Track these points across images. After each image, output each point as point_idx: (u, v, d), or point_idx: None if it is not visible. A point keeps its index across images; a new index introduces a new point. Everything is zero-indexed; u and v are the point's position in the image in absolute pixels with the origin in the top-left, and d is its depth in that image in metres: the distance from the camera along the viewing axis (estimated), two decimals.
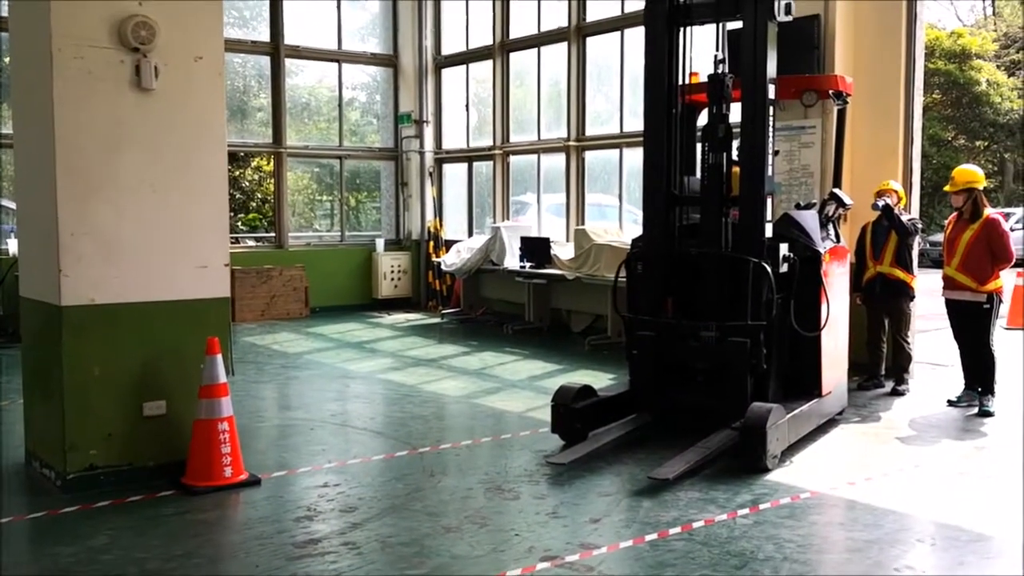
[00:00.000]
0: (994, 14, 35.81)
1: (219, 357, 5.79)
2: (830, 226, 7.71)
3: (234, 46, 14.22)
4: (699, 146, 7.31)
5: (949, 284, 8.09)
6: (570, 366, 10.16)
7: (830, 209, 7.70)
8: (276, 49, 14.61)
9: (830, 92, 8.08)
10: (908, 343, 8.82)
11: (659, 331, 7.02)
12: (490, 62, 14.42)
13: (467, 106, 15.15)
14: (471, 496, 5.67)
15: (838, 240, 7.75)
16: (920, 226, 8.72)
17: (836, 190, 7.93)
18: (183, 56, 5.88)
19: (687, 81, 7.31)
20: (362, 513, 5.35)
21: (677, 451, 6.26)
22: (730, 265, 6.82)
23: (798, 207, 7.54)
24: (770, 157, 6.84)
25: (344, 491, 5.76)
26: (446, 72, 15.55)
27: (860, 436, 7.25)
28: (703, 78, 7.18)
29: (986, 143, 29.44)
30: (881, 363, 8.95)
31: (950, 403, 8.18)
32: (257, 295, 13.92)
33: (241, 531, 5.19)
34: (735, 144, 7.00)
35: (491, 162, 14.55)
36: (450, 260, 13.78)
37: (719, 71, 6.96)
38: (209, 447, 5.73)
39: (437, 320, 14.05)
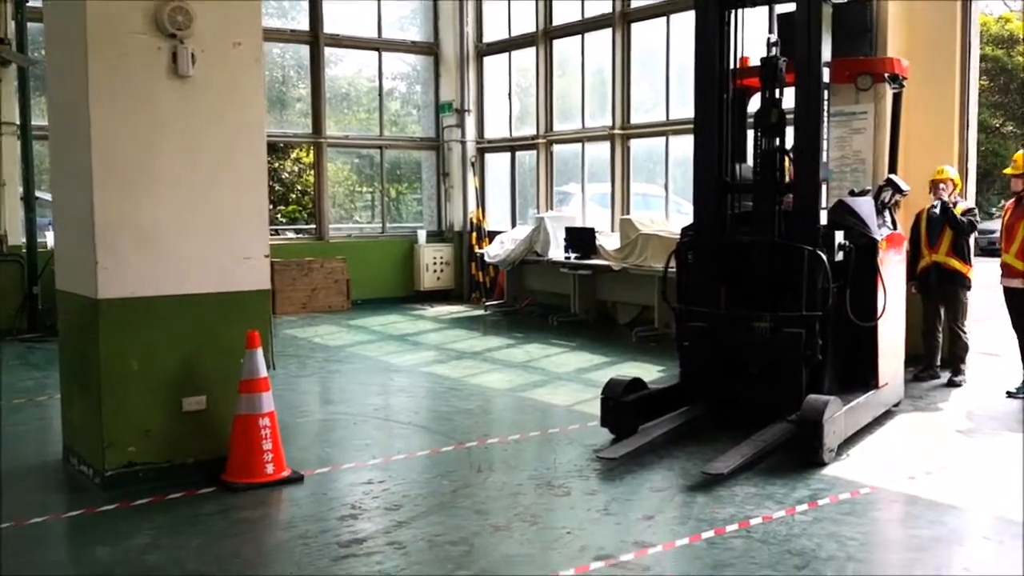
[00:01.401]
0: None
1: (259, 351, 5.70)
2: (886, 213, 7.47)
3: (273, 35, 14.23)
4: (751, 132, 7.10)
5: (1008, 272, 7.81)
6: (617, 358, 9.99)
7: (886, 195, 7.46)
8: (316, 38, 14.55)
9: (885, 75, 7.80)
10: (965, 333, 8.54)
11: (711, 322, 6.85)
12: (533, 50, 14.24)
13: (510, 95, 14.98)
14: (520, 492, 5.53)
15: (894, 227, 7.52)
16: (977, 222, 8.41)
17: (892, 176, 7.68)
18: (221, 42, 5.78)
19: (738, 66, 7.11)
20: (408, 511, 5.24)
21: (731, 445, 6.10)
22: (784, 254, 6.62)
23: (852, 194, 7.29)
24: (824, 143, 6.61)
25: (389, 488, 5.65)
26: (488, 60, 15.38)
27: (918, 428, 7.01)
28: (753, 63, 6.97)
29: None
30: (937, 353, 8.69)
31: (1009, 394, 7.90)
32: (298, 287, 13.89)
33: (284, 530, 5.10)
34: (788, 130, 6.79)
35: (534, 151, 14.38)
36: (493, 251, 13.64)
37: (772, 54, 6.75)
38: (250, 443, 5.64)
39: (481, 312, 13.95)
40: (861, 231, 6.86)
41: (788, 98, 6.80)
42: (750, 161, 7.04)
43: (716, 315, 6.87)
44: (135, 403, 5.62)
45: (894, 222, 7.58)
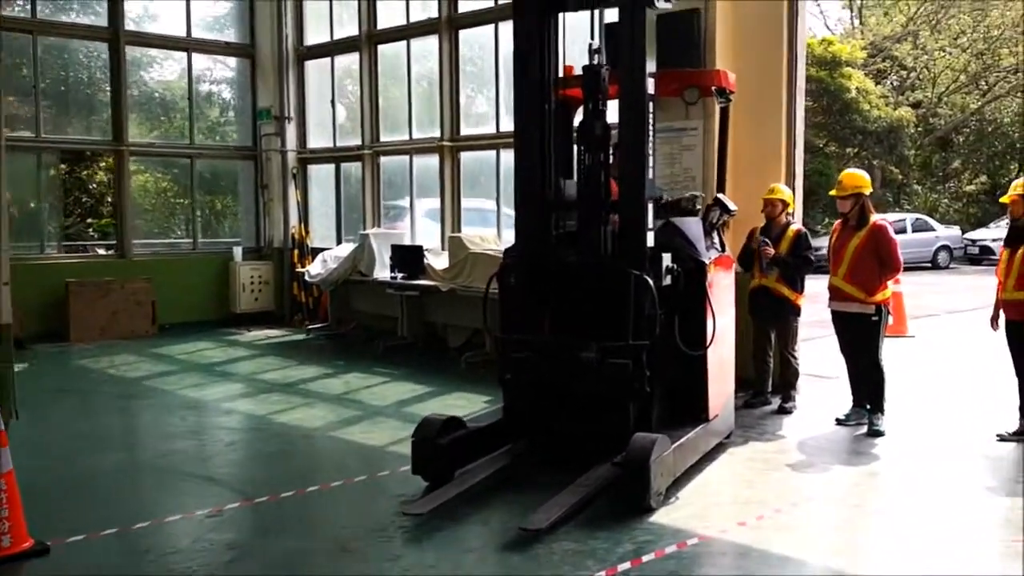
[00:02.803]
0: (861, 23, 36.70)
1: None
2: (714, 234, 7.13)
3: (67, 31, 12.97)
4: (576, 147, 6.59)
5: (836, 295, 7.60)
6: (444, 388, 9.32)
7: (714, 216, 7.12)
8: (115, 35, 13.25)
9: (713, 88, 7.46)
10: (796, 358, 8.34)
11: (535, 351, 6.28)
12: (357, 55, 13.43)
13: (333, 102, 14.08)
14: (308, 560, 4.78)
15: (723, 249, 7.18)
16: (813, 257, 8.20)
17: (720, 195, 7.34)
18: None
19: (562, 75, 6.61)
20: None
21: (553, 490, 5.52)
22: (611, 277, 6.13)
23: (674, 207, 6.87)
24: (650, 158, 6.16)
25: (153, 559, 4.78)
26: (310, 64, 14.41)
27: (749, 463, 6.64)
28: (580, 72, 6.47)
29: (856, 150, 29.93)
30: (768, 379, 8.45)
31: (839, 422, 7.70)
32: (95, 311, 12.55)
33: None
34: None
35: (360, 163, 13.55)
36: (315, 270, 12.72)
37: (595, 62, 6.26)
38: None
39: (302, 336, 12.98)
40: (689, 253, 6.46)
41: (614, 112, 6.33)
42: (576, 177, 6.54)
43: (539, 344, 6.31)
44: None
45: (722, 243, 7.24)
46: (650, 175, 6.17)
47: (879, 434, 7.29)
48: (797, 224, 8.33)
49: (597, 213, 6.27)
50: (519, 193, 6.57)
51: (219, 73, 15.07)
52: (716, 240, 7.12)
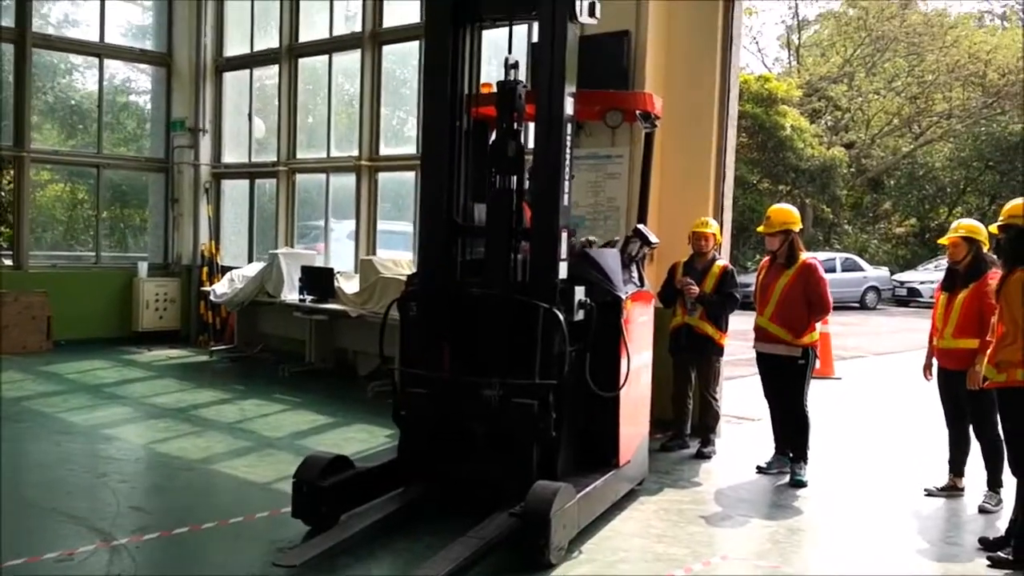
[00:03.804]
0: (798, 63, 37.17)
1: None
2: (633, 267, 6.73)
3: None
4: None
5: (761, 336, 7.22)
6: (347, 418, 8.76)
7: (633, 248, 6.72)
8: (22, 37, 12.49)
9: (637, 112, 7.07)
10: (716, 400, 7.96)
11: (433, 387, 5.77)
12: (276, 67, 12.85)
13: (250, 115, 13.42)
14: None
15: (642, 283, 6.77)
16: (739, 295, 7.83)
17: (640, 226, 6.94)
18: None
19: (476, 91, 6.15)
20: None
21: (447, 538, 5.02)
22: (518, 310, 5.65)
23: (588, 244, 6.45)
24: (567, 183, 5.72)
25: None
26: (228, 76, 13.76)
27: (662, 514, 6.18)
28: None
29: (788, 187, 30.04)
30: (687, 420, 8.05)
31: (759, 470, 7.31)
32: None
33: None
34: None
35: (275, 180, 12.92)
36: (220, 289, 12.02)
37: (511, 78, 5.82)
38: None
39: (205, 358, 12.27)
40: (605, 287, 6.03)
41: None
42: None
43: (438, 379, 5.81)
44: None
45: (641, 278, 6.83)
46: (565, 201, 5.73)
47: (802, 484, 6.91)
48: (723, 260, 7.97)
49: (506, 240, 5.80)
50: (423, 216, 6.08)
51: (140, 83, 14.37)
52: (635, 273, 6.72)
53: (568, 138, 5.68)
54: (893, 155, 34.23)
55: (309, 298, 10.99)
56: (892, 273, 28.28)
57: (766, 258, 7.46)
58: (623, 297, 6.06)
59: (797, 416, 7.10)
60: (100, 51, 13.33)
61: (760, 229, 7.27)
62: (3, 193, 18.00)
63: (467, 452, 5.79)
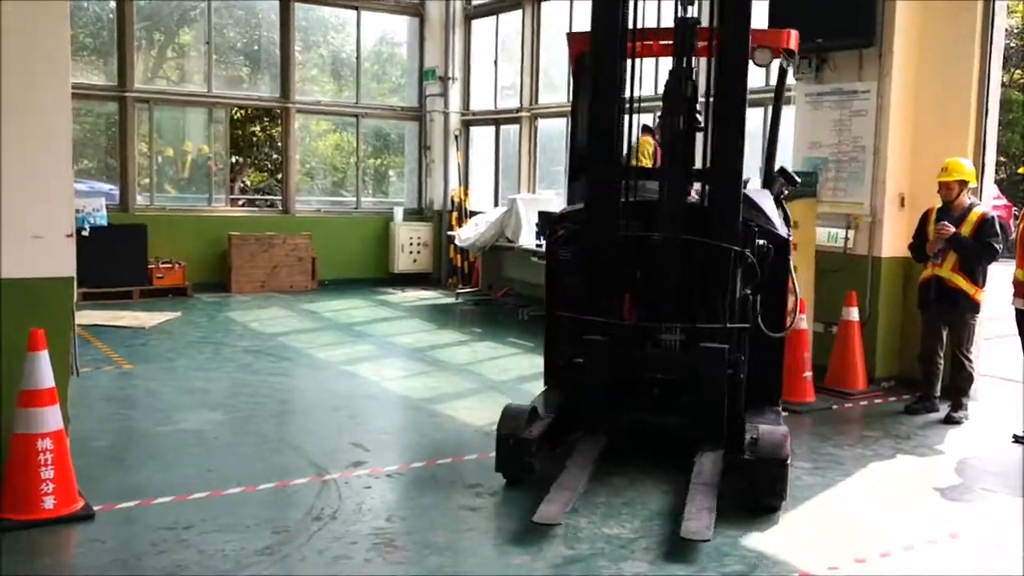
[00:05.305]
0: None
1: (44, 354, 4.59)
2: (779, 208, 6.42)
3: None
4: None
5: (1021, 291, 6.41)
6: None
7: (779, 188, 6.48)
8: None
9: (781, 50, 6.39)
10: (970, 361, 7.14)
11: (612, 334, 5.64)
12: (519, 12, 12.87)
13: (495, 62, 13.60)
14: (348, 556, 4.34)
15: (788, 224, 6.43)
16: (999, 246, 6.96)
17: (785, 166, 6.67)
18: None
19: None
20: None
21: (651, 487, 5.18)
22: (700, 254, 5.53)
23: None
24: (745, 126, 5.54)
25: (187, 538, 4.48)
26: (476, 24, 14.00)
27: (889, 482, 5.68)
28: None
29: None
30: (936, 382, 7.31)
31: (1016, 439, 6.53)
32: (257, 264, 12.79)
33: None
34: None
35: (517, 126, 13.04)
36: (465, 234, 12.38)
37: (686, 14, 5.60)
38: (27, 470, 4.56)
39: (452, 300, 12.73)
40: (770, 228, 5.79)
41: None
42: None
43: (617, 326, 5.67)
44: None
45: (787, 219, 6.45)
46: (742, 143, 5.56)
47: None
48: (983, 207, 7.11)
49: (683, 183, 5.69)
50: (593, 155, 5.85)
51: (399, 35, 14.94)
52: (782, 216, 6.38)
53: (747, 74, 5.48)
54: None
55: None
56: None
57: None
58: (789, 239, 5.95)
59: None
60: (357, 3, 13.92)
61: (1021, 171, 6.40)
62: (256, 138, 19.43)
63: (642, 400, 5.73)
